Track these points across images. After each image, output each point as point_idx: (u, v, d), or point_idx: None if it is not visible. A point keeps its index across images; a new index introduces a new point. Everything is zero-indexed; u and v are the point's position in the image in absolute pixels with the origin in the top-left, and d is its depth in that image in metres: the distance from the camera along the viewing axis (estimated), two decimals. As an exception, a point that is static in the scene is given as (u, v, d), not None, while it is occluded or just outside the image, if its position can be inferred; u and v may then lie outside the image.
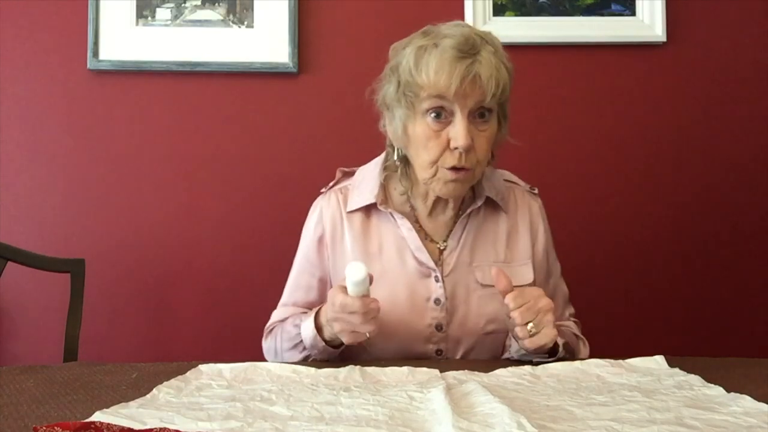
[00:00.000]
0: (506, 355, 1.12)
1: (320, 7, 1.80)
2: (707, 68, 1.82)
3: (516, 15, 1.80)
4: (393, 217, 1.16)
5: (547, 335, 0.98)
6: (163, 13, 1.78)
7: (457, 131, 1.03)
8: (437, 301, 1.12)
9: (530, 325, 0.97)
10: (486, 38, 1.07)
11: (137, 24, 1.77)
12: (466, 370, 0.93)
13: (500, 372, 0.94)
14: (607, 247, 1.81)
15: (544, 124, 1.81)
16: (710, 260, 1.81)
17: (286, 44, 1.77)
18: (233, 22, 1.79)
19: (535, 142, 1.81)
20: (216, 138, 1.80)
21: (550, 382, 0.89)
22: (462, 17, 1.77)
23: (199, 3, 1.79)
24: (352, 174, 1.23)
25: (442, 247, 1.16)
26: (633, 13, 1.80)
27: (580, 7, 1.80)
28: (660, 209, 1.81)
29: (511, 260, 1.17)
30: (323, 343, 1.07)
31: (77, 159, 1.78)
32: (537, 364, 0.98)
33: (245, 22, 1.79)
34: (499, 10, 1.79)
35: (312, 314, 1.09)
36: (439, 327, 1.12)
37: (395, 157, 1.14)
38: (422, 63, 1.04)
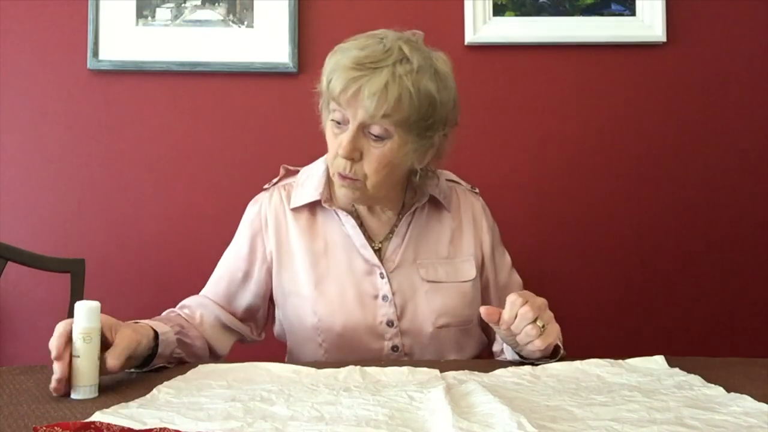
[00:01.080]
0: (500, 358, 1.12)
1: (320, 7, 1.80)
2: (707, 68, 1.82)
3: (516, 15, 1.80)
4: (337, 215, 1.17)
5: (554, 330, 0.97)
6: (163, 13, 1.78)
7: (342, 139, 1.05)
8: (385, 298, 1.14)
9: (539, 320, 0.94)
10: (406, 57, 1.03)
11: (137, 24, 1.77)
12: (465, 370, 0.93)
13: (500, 372, 0.94)
14: (607, 247, 1.81)
15: (543, 123, 1.81)
16: (710, 260, 1.81)
17: (286, 44, 1.77)
18: (233, 22, 1.79)
19: (535, 142, 1.81)
20: (216, 138, 1.80)
21: (550, 382, 0.89)
22: (462, 17, 1.78)
23: (199, 3, 1.79)
24: (295, 173, 1.24)
25: (377, 247, 1.17)
26: (633, 13, 1.80)
27: (580, 7, 1.80)
28: (660, 209, 1.81)
29: (454, 256, 1.19)
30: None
31: (77, 159, 1.78)
32: (537, 364, 0.98)
33: (245, 22, 1.79)
34: (499, 10, 1.79)
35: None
36: (390, 323, 1.13)
37: None
38: (327, 66, 1.07)
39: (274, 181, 1.24)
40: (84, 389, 0.80)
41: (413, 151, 1.08)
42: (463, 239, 1.21)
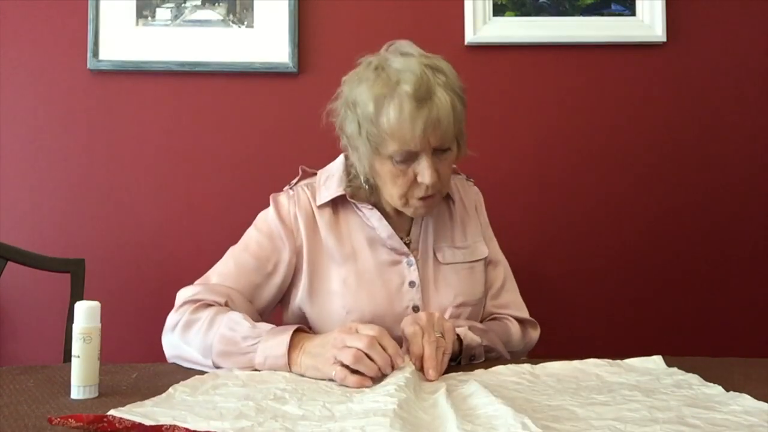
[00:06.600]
0: None
1: (320, 7, 1.80)
2: (707, 68, 1.82)
3: (516, 15, 1.80)
4: (360, 210, 1.20)
5: (450, 336, 1.00)
6: (163, 13, 1.78)
7: (423, 170, 1.08)
8: (412, 284, 1.17)
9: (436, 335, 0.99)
10: (436, 68, 1.08)
11: (137, 24, 1.77)
12: (463, 372, 0.94)
13: (499, 369, 0.95)
14: (606, 246, 1.80)
15: (544, 124, 1.81)
16: (710, 260, 1.81)
17: (286, 44, 1.77)
18: (233, 22, 1.79)
19: (536, 142, 1.81)
20: (216, 138, 1.80)
21: (549, 381, 0.89)
22: (462, 17, 1.78)
23: (199, 3, 1.79)
24: (313, 174, 1.27)
25: (407, 241, 1.21)
26: (633, 13, 1.80)
27: (580, 7, 1.80)
28: (660, 209, 1.81)
29: (466, 239, 1.25)
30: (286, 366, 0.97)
31: (77, 159, 1.78)
32: (536, 362, 0.99)
33: (245, 22, 1.79)
34: (499, 10, 1.79)
35: (286, 333, 0.98)
36: (416, 308, 1.16)
37: (362, 181, 1.18)
38: (383, 114, 1.07)
39: (294, 181, 1.26)
40: (84, 389, 0.81)
41: (463, 148, 1.17)
42: (470, 222, 1.28)
